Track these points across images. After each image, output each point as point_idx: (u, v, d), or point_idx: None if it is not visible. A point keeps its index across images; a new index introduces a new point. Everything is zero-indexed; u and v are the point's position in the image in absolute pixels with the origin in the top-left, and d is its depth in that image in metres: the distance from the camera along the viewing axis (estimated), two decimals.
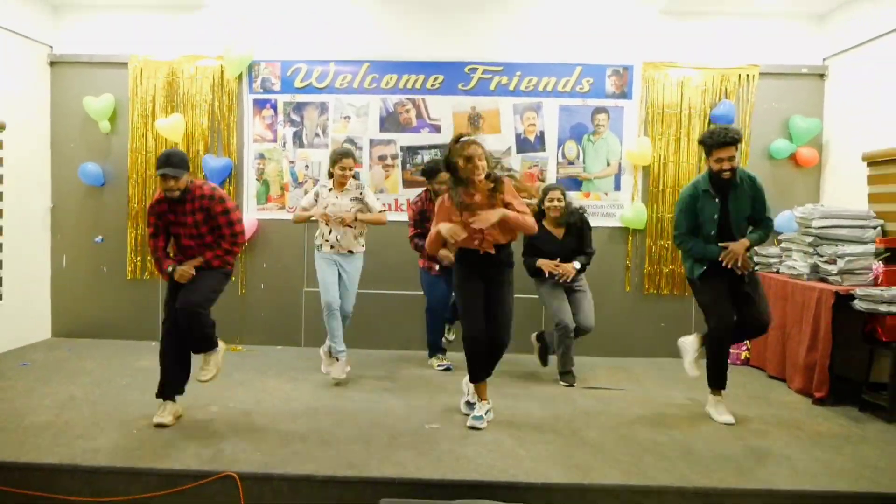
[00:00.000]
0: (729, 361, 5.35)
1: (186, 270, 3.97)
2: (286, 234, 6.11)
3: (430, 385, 4.94)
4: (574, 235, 5.12)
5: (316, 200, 5.00)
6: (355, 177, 5.18)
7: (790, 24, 6.03)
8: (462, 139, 3.92)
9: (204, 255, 4.01)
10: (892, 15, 5.07)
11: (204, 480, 3.23)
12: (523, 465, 3.44)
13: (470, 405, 4.19)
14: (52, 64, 6.20)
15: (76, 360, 5.46)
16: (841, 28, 5.78)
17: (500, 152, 5.94)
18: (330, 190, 4.99)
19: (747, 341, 5.80)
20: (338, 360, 4.97)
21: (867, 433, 4.13)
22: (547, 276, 5.03)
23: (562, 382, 5.06)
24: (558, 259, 5.04)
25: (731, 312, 4.23)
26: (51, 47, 6.19)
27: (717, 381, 4.35)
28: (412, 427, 3.99)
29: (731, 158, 4.04)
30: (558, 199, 5.05)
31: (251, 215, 6.14)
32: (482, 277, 3.99)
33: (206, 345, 4.08)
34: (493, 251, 3.95)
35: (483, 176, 3.83)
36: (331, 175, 5.01)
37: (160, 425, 3.88)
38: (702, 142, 4.23)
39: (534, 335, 5.46)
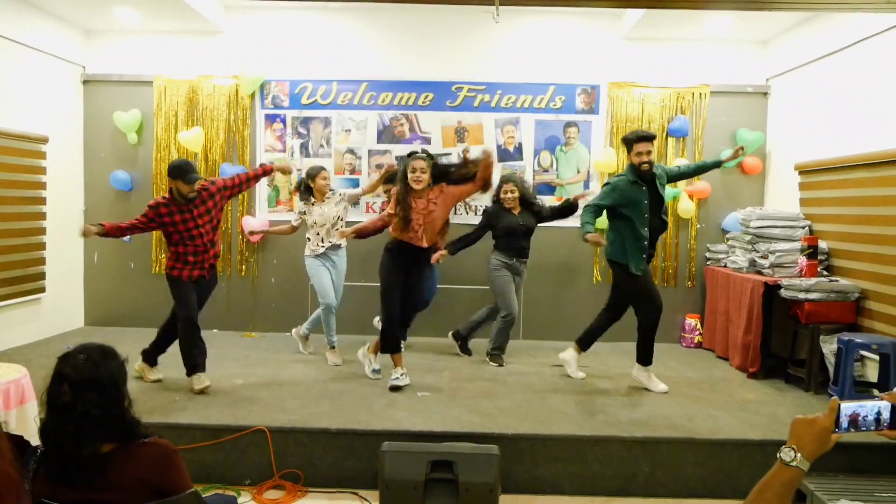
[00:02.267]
0: (684, 345, 6.23)
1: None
2: (294, 234, 6.86)
3: (423, 365, 5.71)
4: (529, 212, 5.79)
5: (301, 215, 5.79)
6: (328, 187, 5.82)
7: (737, 48, 6.81)
8: (414, 154, 4.90)
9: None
10: (825, 42, 5.78)
11: (240, 433, 4.02)
12: (497, 421, 4.25)
13: (375, 371, 5.14)
14: (84, 82, 6.94)
15: (112, 344, 6.21)
16: (782, 52, 6.55)
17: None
18: (312, 205, 5.70)
19: (699, 327, 6.64)
20: (332, 348, 5.76)
21: (786, 399, 4.96)
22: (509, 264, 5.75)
23: (492, 363, 5.75)
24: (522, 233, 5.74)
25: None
26: (84, 67, 6.93)
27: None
28: (406, 395, 4.78)
29: (649, 152, 4.86)
30: (511, 191, 5.74)
31: (263, 217, 6.92)
32: (405, 270, 4.90)
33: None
34: (424, 246, 4.84)
35: (421, 186, 4.76)
36: (309, 191, 5.72)
37: (202, 391, 4.67)
38: (624, 139, 5.09)
39: (451, 336, 6.16)
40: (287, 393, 4.77)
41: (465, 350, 6.09)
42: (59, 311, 6.69)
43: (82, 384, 1.88)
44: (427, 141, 6.83)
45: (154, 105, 6.89)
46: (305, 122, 6.88)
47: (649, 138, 4.91)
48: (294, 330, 6.17)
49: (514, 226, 5.72)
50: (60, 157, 6.60)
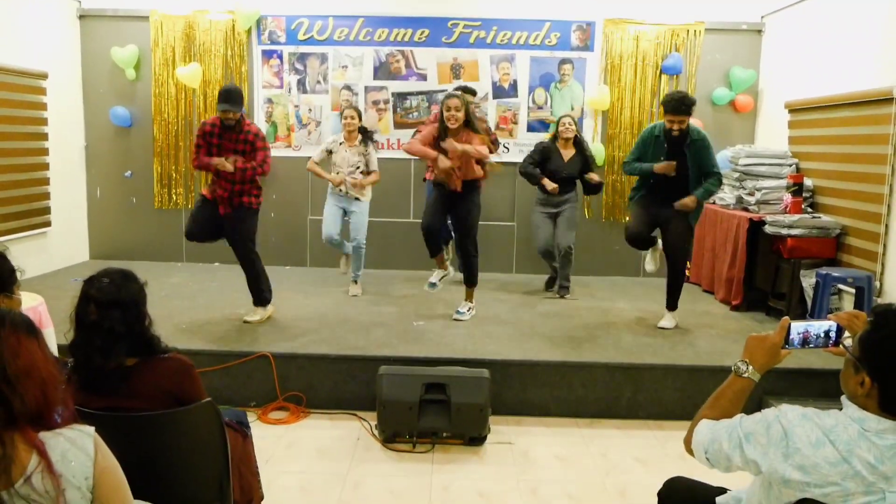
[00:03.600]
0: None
1: (223, 163, 4.67)
2: (293, 169, 6.98)
3: (419, 297, 5.91)
4: (579, 159, 5.90)
5: (329, 154, 5.78)
6: (365, 134, 5.80)
7: None
8: (450, 93, 4.93)
9: (236, 163, 4.73)
10: None
11: (246, 358, 4.26)
12: (488, 348, 4.48)
13: (433, 284, 5.27)
14: (81, 17, 6.93)
15: None
16: None
17: (478, 98, 6.80)
18: (340, 144, 5.74)
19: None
20: (346, 255, 5.97)
21: (764, 329, 5.08)
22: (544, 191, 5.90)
23: (556, 295, 6.02)
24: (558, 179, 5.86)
25: (643, 230, 5.14)
26: (79, 2, 6.91)
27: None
28: (403, 325, 5.01)
29: (682, 122, 4.73)
30: (569, 123, 5.85)
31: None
32: (447, 203, 5.06)
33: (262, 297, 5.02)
34: (459, 190, 4.96)
35: (457, 125, 4.80)
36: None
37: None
38: (662, 103, 5.00)
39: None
40: (289, 322, 5.00)
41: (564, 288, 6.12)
42: (65, 244, 6.86)
43: (107, 304, 2.07)
44: (423, 77, 6.89)
45: (151, 41, 6.91)
46: (302, 57, 6.92)
47: (686, 112, 4.72)
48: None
49: (560, 169, 5.86)
50: (60, 93, 6.66)
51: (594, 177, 5.90)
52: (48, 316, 3.70)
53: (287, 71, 6.94)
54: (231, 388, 4.27)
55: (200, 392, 2.21)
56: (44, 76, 6.37)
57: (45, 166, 6.50)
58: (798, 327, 1.93)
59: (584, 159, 5.94)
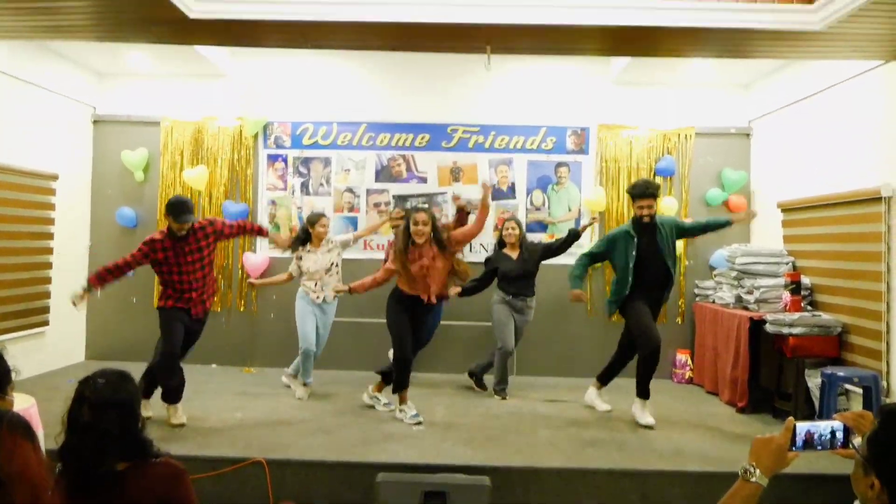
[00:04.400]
0: (675, 381, 6.37)
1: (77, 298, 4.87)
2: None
3: (415, 400, 5.81)
4: (528, 257, 5.97)
5: (298, 260, 5.89)
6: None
7: (720, 92, 7.10)
8: (418, 207, 5.25)
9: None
10: (803, 86, 6.08)
11: (239, 465, 4.14)
12: (490, 453, 4.38)
13: (387, 405, 5.30)
14: (95, 122, 7.19)
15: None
16: (763, 96, 6.83)
17: (477, 200, 6.94)
18: (308, 252, 5.85)
19: (689, 362, 6.78)
20: (305, 385, 5.89)
21: (772, 432, 5.06)
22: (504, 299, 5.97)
23: (497, 396, 5.95)
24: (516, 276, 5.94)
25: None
26: (94, 108, 7.19)
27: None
28: (401, 428, 4.91)
29: (650, 207, 5.12)
30: (513, 228, 6.00)
31: (263, 253, 7.10)
32: (413, 316, 5.10)
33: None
34: (433, 301, 5.06)
35: (423, 239, 4.96)
36: (308, 237, 5.84)
37: (179, 425, 4.82)
38: (628, 191, 5.39)
39: (467, 374, 6.31)
40: (284, 426, 4.90)
41: (481, 385, 6.22)
42: (62, 344, 6.83)
43: (101, 405, 2.04)
44: (423, 180, 7.05)
45: (161, 144, 7.14)
46: (306, 161, 7.11)
47: (652, 195, 5.15)
48: (283, 377, 6.19)
49: (511, 271, 5.93)
50: (69, 193, 6.82)
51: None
52: (38, 419, 3.65)
53: (291, 174, 7.12)
54: (223, 496, 4.13)
55: (192, 499, 2.15)
56: (54, 177, 6.54)
57: (48, 265, 6.57)
58: (803, 428, 1.89)
59: (531, 250, 6.03)
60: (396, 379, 5.13)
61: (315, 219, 5.89)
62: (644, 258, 5.16)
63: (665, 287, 5.28)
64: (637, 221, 5.21)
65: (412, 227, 4.96)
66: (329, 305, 5.96)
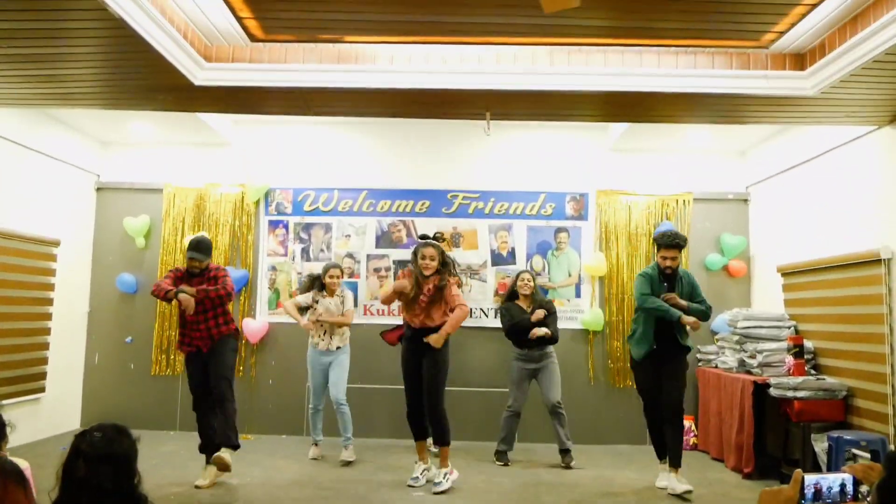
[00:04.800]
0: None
1: (188, 297, 4.90)
2: (293, 335, 6.99)
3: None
4: (539, 307, 5.93)
5: (314, 303, 5.95)
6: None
7: (718, 158, 7.22)
8: (426, 240, 5.17)
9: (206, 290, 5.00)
10: (799, 152, 6.16)
11: None
12: None
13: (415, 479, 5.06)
14: (98, 189, 7.29)
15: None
16: (760, 162, 6.95)
17: (477, 265, 7.02)
18: (324, 297, 5.95)
19: (693, 428, 6.67)
20: (315, 444, 5.92)
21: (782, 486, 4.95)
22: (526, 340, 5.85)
23: (497, 462, 5.82)
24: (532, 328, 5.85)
25: (656, 393, 5.10)
26: (98, 175, 7.30)
27: (660, 453, 5.23)
28: (402, 495, 4.79)
29: (674, 258, 5.07)
30: (528, 280, 6.01)
31: (263, 319, 7.08)
32: (420, 355, 5.03)
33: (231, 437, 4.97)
34: (431, 325, 5.01)
35: (430, 272, 4.98)
36: (322, 285, 5.96)
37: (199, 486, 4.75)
38: (655, 240, 5.37)
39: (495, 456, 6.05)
40: (283, 493, 4.78)
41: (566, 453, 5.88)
42: (57, 410, 6.72)
43: (97, 459, 1.99)
44: None
45: (163, 211, 7.21)
46: (307, 227, 7.18)
47: (678, 246, 5.08)
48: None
49: (524, 323, 5.89)
50: (70, 259, 6.85)
51: (540, 314, 5.89)
52: (32, 482, 3.55)
53: (292, 240, 7.17)
54: None
55: None
56: (56, 244, 6.58)
57: (47, 331, 6.53)
58: (812, 480, 1.86)
59: (544, 303, 6.04)
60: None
61: (325, 269, 6.02)
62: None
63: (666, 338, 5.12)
64: (660, 270, 5.13)
65: (420, 262, 5.02)
66: (340, 352, 5.93)
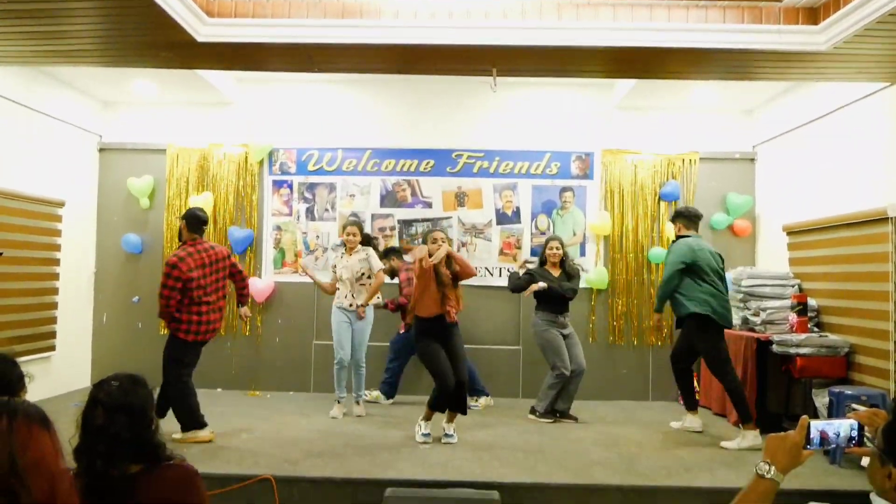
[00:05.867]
0: (681, 403, 6.33)
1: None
2: (299, 294, 7.07)
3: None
4: (570, 279, 5.99)
5: (332, 268, 6.02)
6: (368, 242, 6.09)
7: (724, 117, 7.17)
8: (432, 231, 5.31)
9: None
10: (807, 110, 6.12)
11: (247, 482, 4.10)
12: (498, 471, 4.33)
13: (425, 435, 5.06)
14: (101, 150, 7.26)
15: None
16: (766, 120, 6.90)
17: (482, 224, 7.02)
18: (341, 255, 5.98)
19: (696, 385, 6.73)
20: (338, 402, 5.93)
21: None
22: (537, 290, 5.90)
23: (563, 419, 5.87)
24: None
25: None
26: (100, 136, 7.27)
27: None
28: (409, 447, 4.87)
29: None
30: (556, 248, 6.00)
31: (269, 278, 7.11)
32: (440, 340, 5.09)
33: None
34: (455, 321, 5.11)
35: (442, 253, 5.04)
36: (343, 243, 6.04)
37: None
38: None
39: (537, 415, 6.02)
40: (292, 445, 4.86)
41: (557, 415, 5.95)
42: (67, 369, 6.79)
43: (114, 408, 2.03)
44: (428, 205, 7.09)
45: (166, 171, 7.19)
46: (311, 187, 7.16)
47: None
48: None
49: (552, 287, 5.90)
50: (75, 220, 6.86)
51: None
52: None
53: (296, 200, 7.17)
54: None
55: (204, 503, 2.13)
56: (61, 204, 6.59)
57: (55, 291, 6.58)
58: (818, 426, 1.89)
59: (572, 270, 6.05)
60: (437, 401, 5.08)
61: (344, 226, 6.09)
62: None
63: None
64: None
65: (430, 246, 5.07)
66: (365, 311, 5.94)
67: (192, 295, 4.97)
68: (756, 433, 5.06)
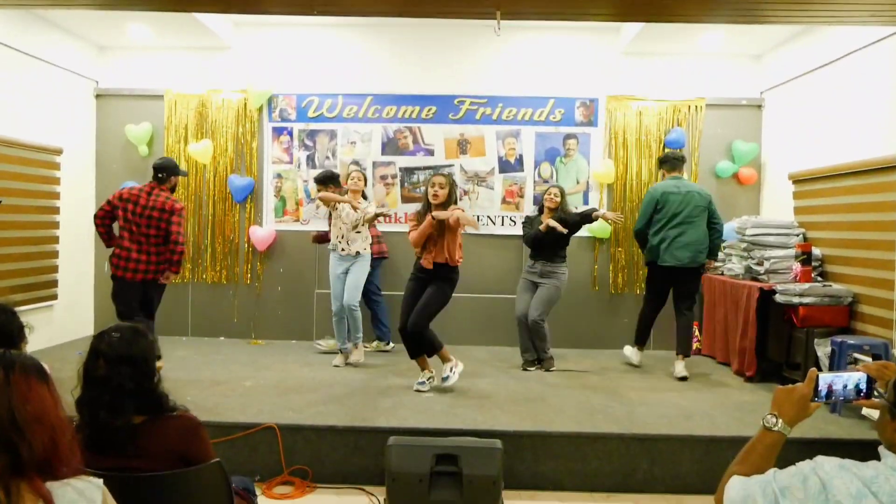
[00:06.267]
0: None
1: None
2: (300, 243, 7.04)
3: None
4: (557, 220, 5.85)
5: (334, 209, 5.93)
6: (363, 196, 6.07)
7: (732, 62, 7.01)
8: (437, 172, 5.13)
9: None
10: (816, 55, 5.99)
11: (251, 430, 4.15)
12: (500, 419, 4.37)
13: (421, 383, 5.11)
14: (97, 96, 7.14)
15: None
16: (775, 66, 6.75)
17: (484, 172, 6.94)
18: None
19: (698, 334, 6.77)
20: (341, 352, 5.95)
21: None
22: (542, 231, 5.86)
23: (528, 368, 5.88)
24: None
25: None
26: (97, 82, 7.14)
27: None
28: (411, 395, 4.91)
29: None
30: (555, 195, 5.91)
31: (270, 227, 7.08)
32: (420, 284, 5.10)
33: None
34: (430, 267, 5.03)
35: (438, 200, 4.95)
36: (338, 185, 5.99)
37: None
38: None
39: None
40: (295, 393, 4.89)
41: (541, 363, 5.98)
42: (70, 318, 6.83)
43: (116, 359, 2.02)
44: (430, 153, 7.00)
45: (165, 118, 7.08)
46: (312, 134, 7.06)
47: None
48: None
49: (538, 233, 5.88)
50: (74, 168, 6.79)
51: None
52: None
53: (297, 147, 7.07)
54: (235, 461, 4.12)
55: (208, 452, 2.14)
56: (58, 152, 6.51)
57: (55, 240, 6.55)
58: (826, 379, 1.87)
59: (564, 218, 5.89)
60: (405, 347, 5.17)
61: (348, 171, 6.05)
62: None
63: None
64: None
65: (429, 190, 4.99)
66: (359, 258, 5.89)
67: None
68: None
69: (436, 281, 5.06)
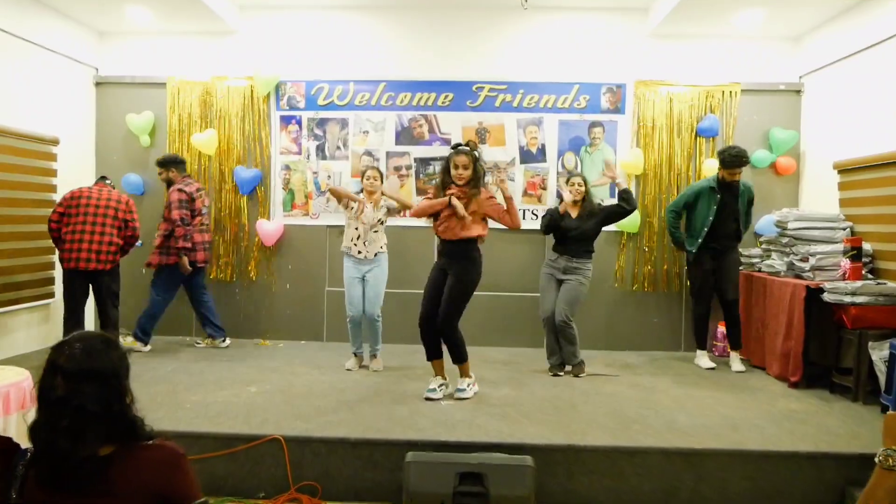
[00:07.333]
0: (716, 354, 5.99)
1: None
2: (310, 238, 6.68)
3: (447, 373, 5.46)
4: (589, 218, 5.47)
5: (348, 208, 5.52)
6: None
7: (769, 45, 6.57)
8: (459, 147, 4.63)
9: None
10: (859, 37, 5.58)
11: (255, 443, 3.78)
12: (527, 430, 3.98)
13: (431, 390, 4.67)
14: (97, 84, 6.80)
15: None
16: (815, 48, 6.31)
17: (504, 163, 6.54)
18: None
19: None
20: (355, 355, 5.59)
21: (833, 409, 4.65)
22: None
23: (557, 374, 5.47)
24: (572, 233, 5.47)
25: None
26: (96, 69, 6.80)
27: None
28: (428, 403, 4.52)
29: (738, 174, 5.65)
30: (579, 184, 5.50)
31: (278, 221, 6.71)
32: (440, 274, 4.69)
33: None
34: (444, 237, 4.65)
35: (463, 182, 4.55)
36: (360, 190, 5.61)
37: None
38: (720, 155, 5.71)
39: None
40: (303, 401, 4.53)
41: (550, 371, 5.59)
42: None
43: (78, 375, 1.64)
44: (447, 142, 6.59)
45: (167, 107, 6.73)
46: (322, 123, 6.69)
47: (743, 165, 5.66)
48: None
49: (568, 229, 5.48)
50: (72, 159, 6.45)
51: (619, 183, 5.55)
52: (30, 394, 3.28)
53: (306, 137, 6.70)
54: (237, 476, 3.78)
55: (193, 489, 1.75)
56: (55, 142, 6.17)
57: None
58: None
59: (592, 210, 5.52)
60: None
61: (363, 170, 5.69)
62: (719, 216, 5.68)
63: (734, 240, 5.84)
64: (721, 180, 5.69)
65: (452, 171, 4.57)
66: (378, 260, 5.50)
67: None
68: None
69: (455, 265, 4.64)
